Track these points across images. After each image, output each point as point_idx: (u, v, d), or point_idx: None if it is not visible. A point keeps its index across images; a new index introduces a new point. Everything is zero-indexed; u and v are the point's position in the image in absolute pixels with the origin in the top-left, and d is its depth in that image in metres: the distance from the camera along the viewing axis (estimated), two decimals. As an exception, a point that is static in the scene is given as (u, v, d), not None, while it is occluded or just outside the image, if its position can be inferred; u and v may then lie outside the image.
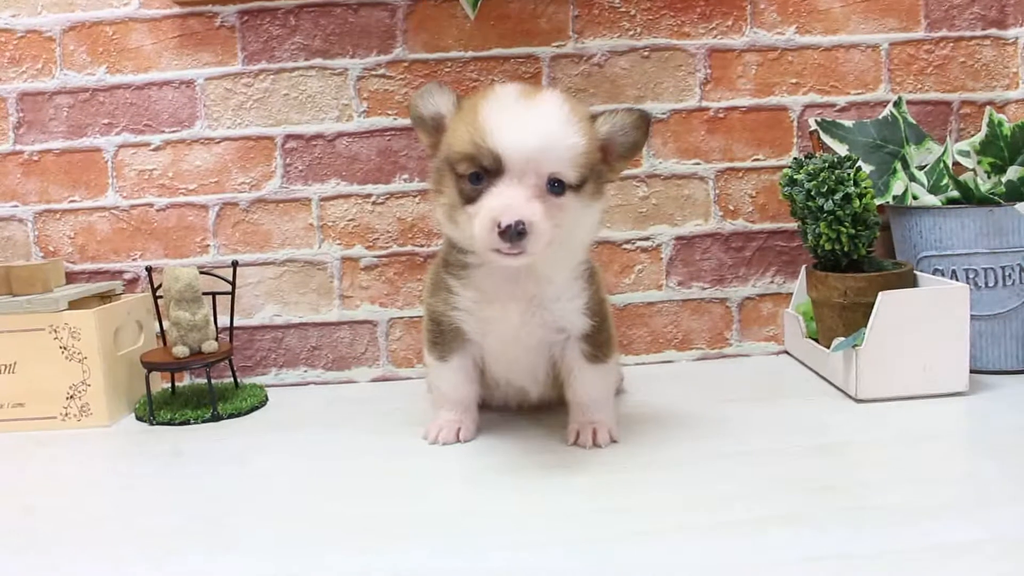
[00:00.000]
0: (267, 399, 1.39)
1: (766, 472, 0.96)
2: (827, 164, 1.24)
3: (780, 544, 0.78)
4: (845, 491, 0.90)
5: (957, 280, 1.28)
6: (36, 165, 1.48)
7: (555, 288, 1.06)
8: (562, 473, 1.00)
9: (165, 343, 1.36)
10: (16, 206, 1.49)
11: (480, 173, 0.95)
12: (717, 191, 1.50)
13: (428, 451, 1.10)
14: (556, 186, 0.96)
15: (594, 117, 1.02)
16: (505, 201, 0.93)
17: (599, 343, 1.11)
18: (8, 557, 0.85)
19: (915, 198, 1.35)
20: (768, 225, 1.51)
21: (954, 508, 0.85)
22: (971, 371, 1.21)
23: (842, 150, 1.40)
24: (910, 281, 1.25)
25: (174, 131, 1.47)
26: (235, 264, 1.40)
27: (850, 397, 1.21)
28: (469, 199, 0.96)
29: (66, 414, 1.28)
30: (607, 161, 1.04)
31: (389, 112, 1.47)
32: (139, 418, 1.32)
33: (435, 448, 1.11)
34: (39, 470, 1.12)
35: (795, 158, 1.30)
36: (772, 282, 1.52)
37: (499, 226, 0.91)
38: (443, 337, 1.13)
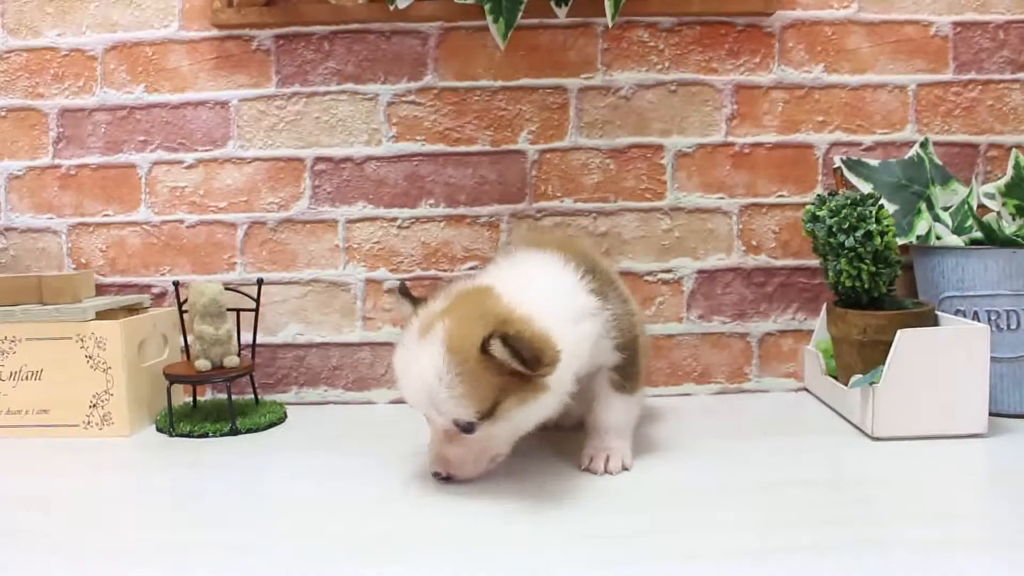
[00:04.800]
0: (286, 416, 1.41)
1: (777, 503, 0.96)
2: (849, 201, 1.24)
3: (789, 573, 0.78)
4: (857, 524, 0.89)
5: (979, 321, 1.27)
6: (72, 179, 1.52)
7: None
8: (573, 496, 1.00)
9: (189, 357, 1.39)
10: (51, 218, 1.53)
11: None
12: (740, 226, 1.50)
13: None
14: (465, 426, 0.97)
15: (484, 345, 0.92)
16: (431, 448, 1.03)
17: (629, 375, 1.11)
18: (20, 560, 0.86)
19: (938, 238, 1.35)
20: (791, 261, 1.51)
21: (969, 544, 0.84)
22: (991, 414, 1.20)
23: (867, 189, 1.41)
24: (931, 320, 1.24)
25: (207, 150, 1.51)
26: (260, 282, 1.42)
27: (866, 435, 1.20)
28: None
29: (88, 422, 1.30)
30: (519, 374, 0.93)
31: (417, 138, 1.49)
32: (159, 429, 1.33)
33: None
34: (58, 476, 1.14)
35: (818, 195, 1.30)
36: (793, 318, 1.52)
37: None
38: None
